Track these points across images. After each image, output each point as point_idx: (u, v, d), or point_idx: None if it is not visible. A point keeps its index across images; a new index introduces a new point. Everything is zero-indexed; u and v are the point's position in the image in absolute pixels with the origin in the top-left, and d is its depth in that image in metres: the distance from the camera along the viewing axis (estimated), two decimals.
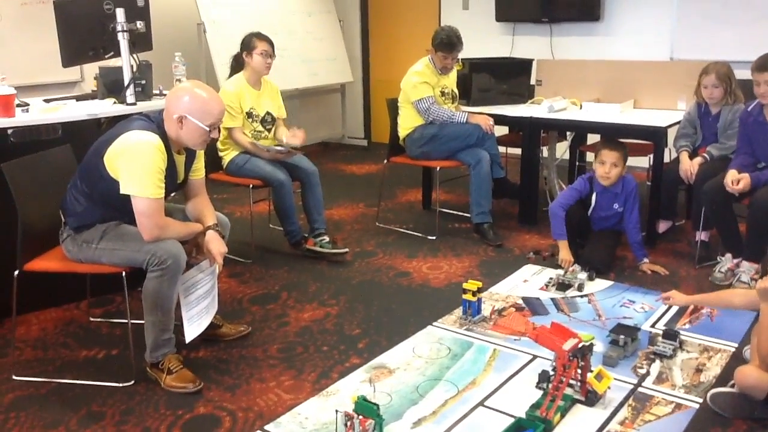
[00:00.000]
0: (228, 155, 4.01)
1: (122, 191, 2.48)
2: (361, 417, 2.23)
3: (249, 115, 3.99)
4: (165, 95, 4.05)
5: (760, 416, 2.35)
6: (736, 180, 3.46)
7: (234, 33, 5.25)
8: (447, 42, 4.31)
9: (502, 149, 4.77)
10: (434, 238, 4.38)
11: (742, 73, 4.11)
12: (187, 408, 2.49)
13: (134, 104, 3.61)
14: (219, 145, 3.98)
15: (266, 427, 2.37)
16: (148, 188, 2.47)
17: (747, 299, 2.61)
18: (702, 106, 4.08)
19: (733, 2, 5.47)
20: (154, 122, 2.58)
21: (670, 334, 2.88)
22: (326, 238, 4.04)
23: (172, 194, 2.79)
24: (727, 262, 3.63)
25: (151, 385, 2.63)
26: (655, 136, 4.12)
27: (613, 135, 4.06)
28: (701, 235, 3.90)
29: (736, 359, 2.76)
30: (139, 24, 3.67)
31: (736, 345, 2.90)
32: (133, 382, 2.65)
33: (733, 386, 2.47)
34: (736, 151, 3.74)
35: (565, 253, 3.80)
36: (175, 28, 6.01)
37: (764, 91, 3.41)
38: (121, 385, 2.64)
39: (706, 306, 3.21)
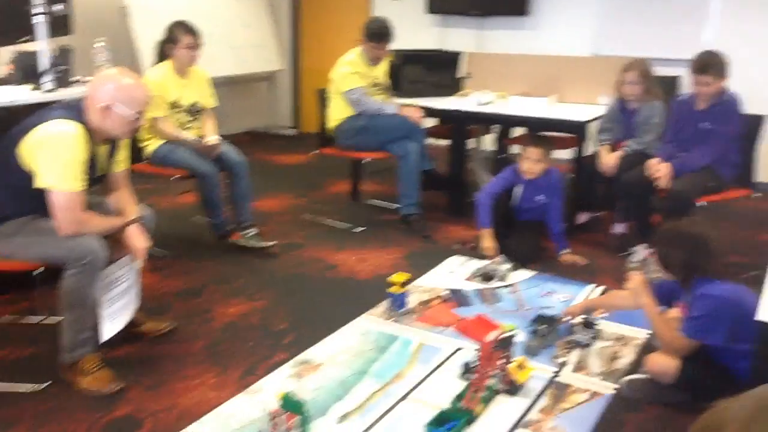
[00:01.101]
0: (151, 145, 3.90)
1: (38, 184, 2.39)
2: (287, 414, 2.23)
3: (174, 105, 3.89)
4: (86, 83, 3.93)
5: (669, 400, 2.48)
6: (656, 167, 3.61)
7: (160, 17, 5.10)
8: (378, 33, 4.31)
9: (430, 141, 4.81)
10: (362, 229, 4.39)
11: (661, 70, 4.28)
12: (106, 410, 2.42)
13: (53, 91, 3.47)
14: (141, 135, 3.87)
15: (190, 427, 2.33)
16: (67, 181, 2.38)
17: (627, 301, 2.72)
18: (622, 101, 4.22)
19: (652, 0, 5.66)
20: (75, 111, 2.49)
21: (588, 323, 2.99)
22: (253, 231, 3.99)
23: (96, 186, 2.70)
24: (641, 252, 3.78)
25: (67, 388, 2.54)
26: (577, 130, 4.24)
27: (539, 128, 4.16)
28: (619, 227, 4.05)
29: (648, 347, 2.88)
30: (59, 6, 3.53)
31: (649, 333, 3.02)
32: (48, 383, 2.55)
33: (645, 373, 2.59)
34: (662, 140, 3.89)
35: (488, 242, 3.88)
36: (98, 12, 5.79)
37: (700, 90, 3.57)
38: (34, 388, 2.54)
39: (599, 308, 3.28)
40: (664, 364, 2.47)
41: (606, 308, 3.17)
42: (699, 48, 3.78)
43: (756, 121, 3.73)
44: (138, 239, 2.62)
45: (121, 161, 2.78)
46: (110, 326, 2.58)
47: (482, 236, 3.91)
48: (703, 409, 0.71)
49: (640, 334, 3.02)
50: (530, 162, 3.86)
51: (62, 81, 3.68)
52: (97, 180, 2.68)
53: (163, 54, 3.97)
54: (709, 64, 3.51)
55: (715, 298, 2.36)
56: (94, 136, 2.51)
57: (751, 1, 5.34)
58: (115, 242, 2.64)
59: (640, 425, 2.39)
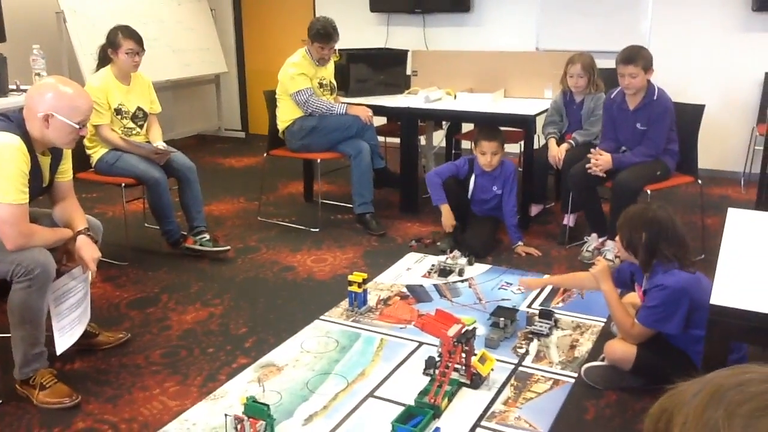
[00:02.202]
0: (96, 153, 3.80)
1: None
2: (251, 419, 2.20)
3: (118, 111, 3.79)
4: (23, 91, 3.80)
5: (628, 385, 2.54)
6: (597, 155, 3.70)
7: (98, 22, 5.00)
8: (323, 32, 4.30)
9: (381, 139, 4.83)
10: (317, 230, 4.37)
11: (602, 63, 4.39)
12: (65, 424, 2.35)
13: None
14: (86, 142, 3.76)
15: None
16: (9, 193, 2.30)
17: (588, 282, 2.78)
18: (567, 94, 4.31)
19: None
20: (14, 122, 2.40)
21: (546, 314, 3.04)
22: (206, 236, 3.93)
23: (41, 197, 2.62)
24: (593, 241, 3.87)
25: (22, 404, 2.46)
26: (524, 124, 4.31)
27: (486, 124, 4.21)
28: (569, 218, 4.13)
29: (605, 334, 2.95)
30: None
31: (605, 320, 3.10)
32: (0, 402, 2.47)
33: (603, 360, 2.65)
34: (601, 137, 4.00)
35: (447, 218, 3.95)
36: (32, 18, 5.62)
37: (628, 82, 3.65)
38: None
39: (559, 286, 3.38)
40: (623, 350, 2.53)
41: (565, 286, 3.25)
42: (638, 40, 3.89)
43: (697, 110, 3.85)
44: (88, 250, 2.55)
45: (65, 171, 2.69)
46: (65, 339, 2.51)
47: (442, 211, 3.96)
48: (661, 392, 0.72)
49: (597, 323, 3.09)
50: (488, 156, 3.91)
51: None
52: (42, 191, 2.60)
53: (104, 59, 3.87)
54: (635, 56, 3.61)
55: (671, 288, 2.38)
56: (35, 146, 2.43)
57: None
58: (63, 254, 2.57)
59: (601, 410, 2.44)
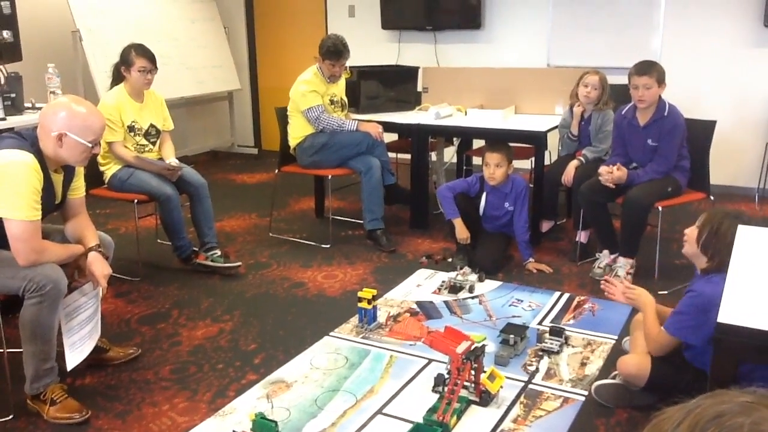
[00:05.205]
0: (110, 170, 3.84)
1: None
2: None
3: (131, 128, 3.84)
4: (38, 109, 3.86)
5: (639, 403, 2.51)
6: (610, 170, 3.68)
7: (113, 40, 5.06)
8: (333, 50, 4.33)
9: (392, 155, 4.84)
10: (328, 246, 4.38)
11: (613, 79, 4.39)
12: None
13: (4, 119, 3.41)
14: (100, 159, 3.80)
15: None
16: (22, 210, 2.33)
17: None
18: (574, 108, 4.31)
19: (601, 12, 5.81)
20: (28, 140, 2.44)
21: (556, 331, 3.02)
22: (218, 252, 3.95)
23: (54, 214, 2.65)
24: (604, 258, 3.85)
25: (32, 419, 2.47)
26: (535, 140, 4.31)
27: (497, 140, 4.21)
28: (581, 235, 4.11)
29: (617, 351, 2.92)
30: (6, 33, 3.47)
31: (616, 337, 3.08)
32: (11, 417, 2.48)
33: (614, 377, 2.63)
34: (611, 153, 3.98)
35: (461, 231, 3.94)
36: (48, 37, 5.71)
37: (642, 94, 3.62)
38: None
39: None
40: (637, 365, 2.48)
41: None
42: (650, 56, 3.89)
43: (709, 126, 3.83)
44: (99, 266, 2.57)
45: (78, 188, 2.72)
46: (75, 355, 2.53)
47: (455, 225, 3.95)
48: None
49: (608, 340, 3.07)
50: (491, 167, 3.92)
51: (13, 108, 3.61)
52: (54, 208, 2.63)
53: (117, 77, 3.92)
54: (649, 68, 3.59)
55: (704, 297, 2.26)
56: (48, 164, 2.47)
57: (694, 10, 5.51)
58: (74, 270, 2.59)
59: (611, 429, 2.42)
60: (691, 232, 2.45)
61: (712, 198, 3.87)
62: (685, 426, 0.65)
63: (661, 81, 3.61)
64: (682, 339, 2.38)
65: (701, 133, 3.83)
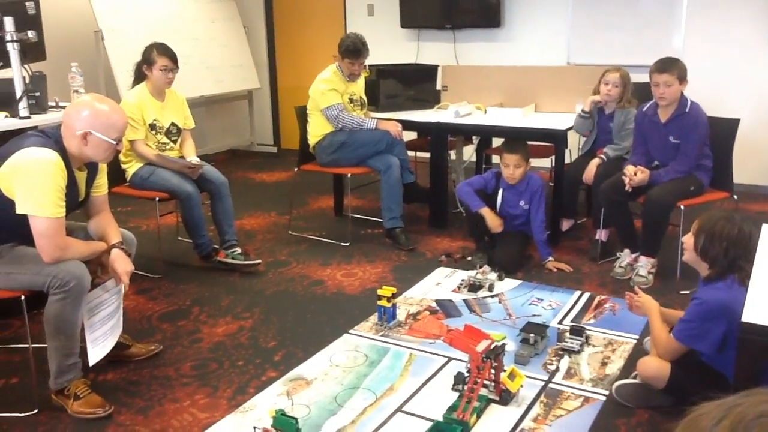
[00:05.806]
0: (132, 168, 3.88)
1: (18, 211, 2.36)
2: None
3: (152, 126, 3.87)
4: (62, 107, 3.90)
5: (660, 404, 2.49)
6: (634, 172, 3.65)
7: (135, 40, 5.10)
8: (353, 49, 4.34)
9: (411, 154, 4.84)
10: (347, 244, 4.39)
11: (635, 77, 4.34)
12: None
13: (28, 118, 3.45)
14: (122, 157, 3.84)
15: None
16: (47, 207, 2.36)
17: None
18: (597, 105, 4.27)
19: (620, 10, 5.76)
20: (51, 138, 2.47)
21: (577, 330, 3.01)
22: (238, 250, 3.97)
23: (77, 211, 2.68)
24: (625, 257, 3.82)
25: (56, 413, 2.50)
26: (555, 139, 4.28)
27: (517, 138, 4.19)
28: (601, 234, 4.08)
29: (638, 351, 2.90)
30: (31, 33, 3.51)
31: (637, 337, 3.05)
32: (36, 411, 2.52)
33: (635, 377, 2.61)
34: (632, 151, 3.95)
35: (492, 219, 3.93)
36: (71, 37, 5.77)
37: (663, 91, 3.59)
38: (22, 415, 2.50)
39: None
40: (657, 367, 2.46)
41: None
42: (671, 54, 3.85)
43: (732, 124, 3.79)
44: (121, 263, 2.59)
45: (101, 185, 2.75)
46: (97, 350, 2.56)
47: (484, 215, 3.93)
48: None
49: (629, 340, 3.04)
50: (511, 168, 3.90)
51: (38, 107, 3.65)
52: (78, 205, 2.66)
53: (139, 76, 3.95)
54: (671, 65, 3.56)
55: (708, 304, 2.30)
56: (72, 162, 2.49)
57: (716, 8, 5.45)
58: (97, 266, 2.62)
59: (632, 429, 2.40)
60: (688, 240, 2.45)
61: (735, 197, 3.83)
62: (727, 423, 0.64)
63: (682, 78, 3.57)
64: (692, 347, 2.38)
65: (724, 131, 3.78)
